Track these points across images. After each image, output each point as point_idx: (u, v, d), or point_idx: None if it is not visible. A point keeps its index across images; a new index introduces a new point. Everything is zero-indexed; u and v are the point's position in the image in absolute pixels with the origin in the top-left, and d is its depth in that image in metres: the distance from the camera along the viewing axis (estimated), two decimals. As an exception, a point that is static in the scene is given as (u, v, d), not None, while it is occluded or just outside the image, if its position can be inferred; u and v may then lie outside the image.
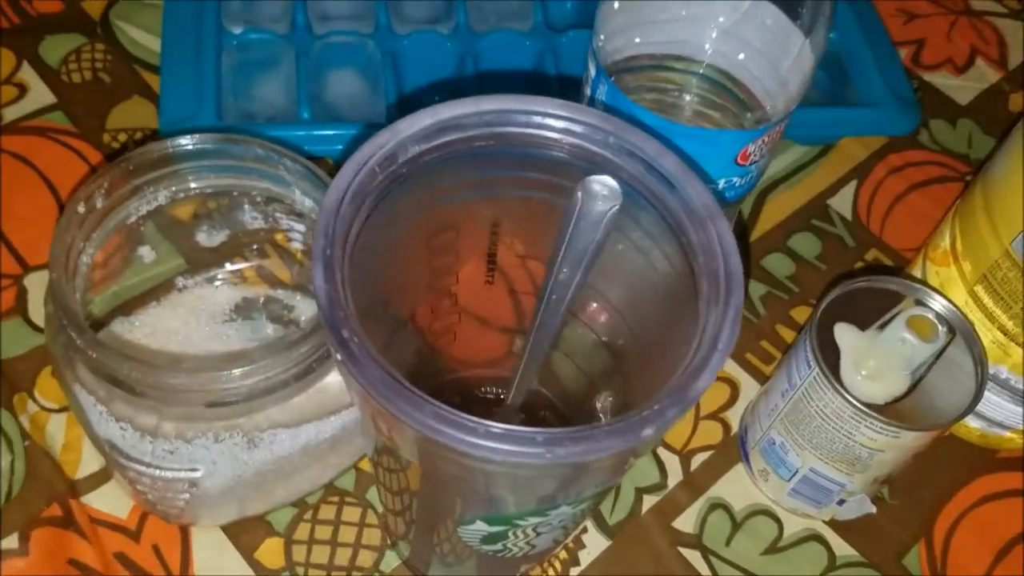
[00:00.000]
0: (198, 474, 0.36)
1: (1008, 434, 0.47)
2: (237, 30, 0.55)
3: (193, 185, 0.40)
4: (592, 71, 0.40)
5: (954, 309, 0.41)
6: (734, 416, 0.49)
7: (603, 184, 0.31)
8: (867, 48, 0.59)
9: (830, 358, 0.40)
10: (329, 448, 0.39)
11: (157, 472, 0.36)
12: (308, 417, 0.37)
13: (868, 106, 0.57)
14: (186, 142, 0.39)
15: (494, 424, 0.25)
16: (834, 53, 0.60)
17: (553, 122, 0.32)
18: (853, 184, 0.58)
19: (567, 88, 0.54)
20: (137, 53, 0.57)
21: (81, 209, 0.37)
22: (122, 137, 0.54)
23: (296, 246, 0.46)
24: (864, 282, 0.42)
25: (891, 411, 0.40)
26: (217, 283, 0.46)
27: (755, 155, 0.38)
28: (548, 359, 0.41)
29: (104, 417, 0.36)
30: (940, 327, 0.41)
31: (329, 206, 0.28)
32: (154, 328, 0.44)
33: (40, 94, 0.55)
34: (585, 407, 0.42)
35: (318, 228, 0.27)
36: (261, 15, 0.56)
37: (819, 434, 0.41)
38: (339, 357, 0.26)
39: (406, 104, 0.53)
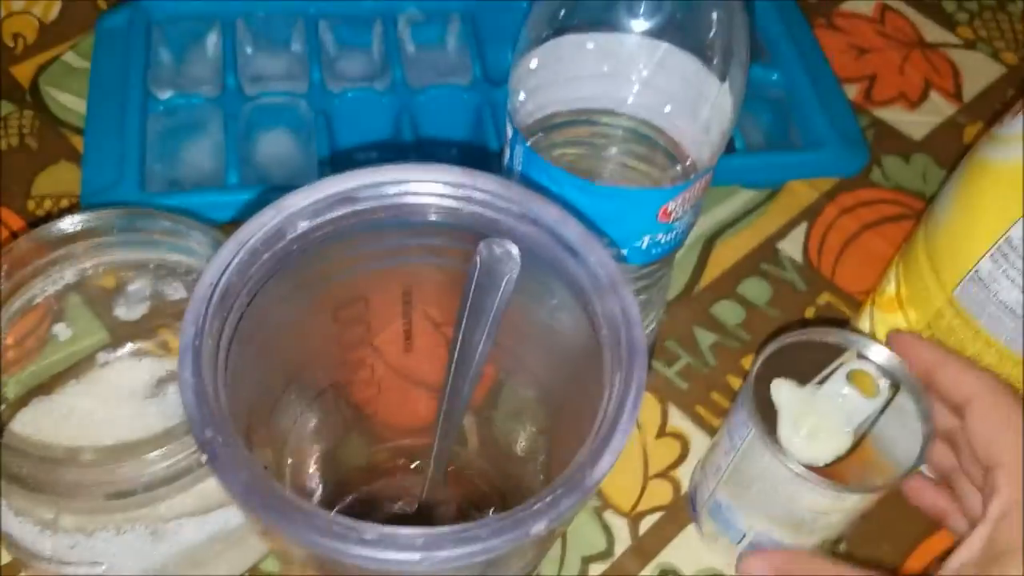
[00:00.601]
0: (101, 569, 0.34)
1: (966, 485, 0.45)
2: (164, 95, 0.54)
3: (100, 262, 0.39)
4: (509, 132, 0.39)
5: (897, 361, 0.40)
6: (685, 474, 0.47)
7: (502, 247, 0.30)
8: (811, 88, 0.58)
9: (769, 417, 0.39)
10: (242, 535, 0.37)
11: (57, 568, 0.34)
12: (216, 503, 0.36)
13: (814, 148, 0.56)
14: (87, 219, 0.37)
15: (369, 528, 0.23)
16: (778, 94, 0.59)
17: (452, 190, 0.30)
18: (803, 226, 0.57)
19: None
20: (66, 118, 0.56)
21: (-24, 295, 0.36)
22: (47, 204, 0.52)
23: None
24: (802, 335, 0.41)
25: (835, 470, 0.38)
26: (139, 357, 0.44)
27: (677, 212, 0.37)
28: (489, 427, 0.40)
29: (3, 510, 0.34)
30: (882, 380, 0.39)
31: (200, 293, 0.26)
32: (72, 408, 0.42)
33: (-36, 164, 0.54)
34: (512, 472, 0.41)
35: (187, 317, 0.26)
36: (190, 79, 0.55)
37: (761, 497, 0.39)
38: (203, 458, 0.24)
39: (340, 163, 0.52)
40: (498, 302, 0.31)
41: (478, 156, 0.54)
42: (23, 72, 0.58)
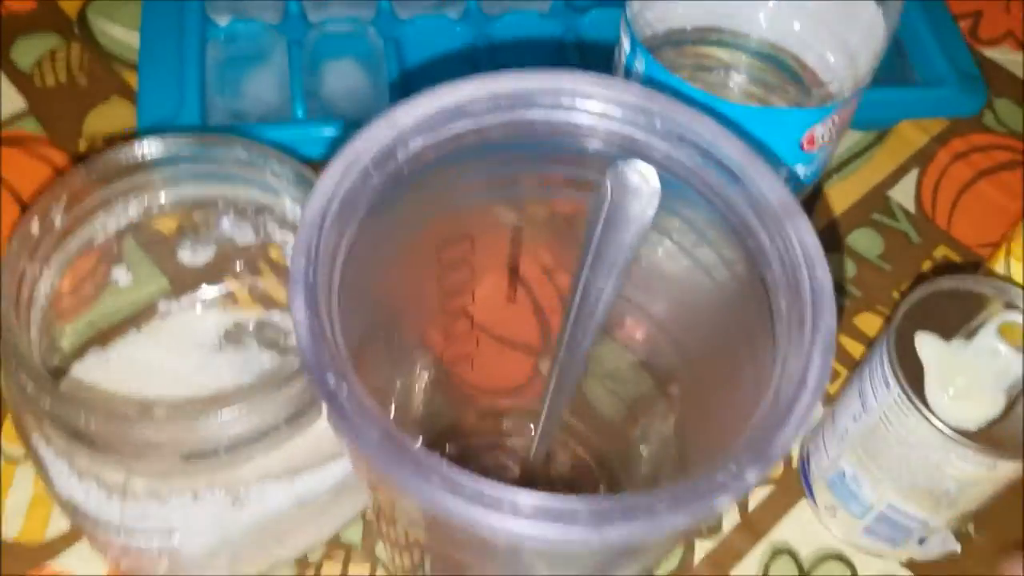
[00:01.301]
0: (175, 540, 0.31)
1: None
2: (223, 21, 0.50)
3: (168, 195, 0.35)
4: (626, 43, 0.34)
5: (1057, 314, 0.35)
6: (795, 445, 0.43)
7: (637, 172, 0.25)
8: (924, 21, 0.53)
9: (912, 375, 0.34)
10: (330, 499, 0.33)
11: (126, 538, 0.31)
12: (302, 466, 0.32)
13: (929, 85, 0.51)
14: (157, 146, 0.33)
15: (524, 495, 0.19)
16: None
17: (586, 104, 0.26)
18: (914, 173, 0.52)
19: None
20: (117, 51, 0.52)
21: (35, 230, 0.32)
22: (99, 144, 0.48)
23: (292, 262, 0.41)
24: (950, 283, 0.36)
25: (984, 436, 0.34)
26: (204, 306, 0.41)
27: (823, 138, 0.33)
28: (595, 389, 0.36)
29: (66, 473, 0.31)
30: (1041, 336, 0.35)
31: (311, 218, 0.22)
32: (132, 360, 0.38)
33: (9, 100, 0.50)
34: (624, 438, 0.37)
35: (297, 245, 0.22)
36: (250, 3, 0.50)
37: (901, 465, 0.35)
38: (325, 409, 0.20)
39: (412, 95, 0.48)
40: (630, 241, 0.26)
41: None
42: (70, 3, 0.54)
